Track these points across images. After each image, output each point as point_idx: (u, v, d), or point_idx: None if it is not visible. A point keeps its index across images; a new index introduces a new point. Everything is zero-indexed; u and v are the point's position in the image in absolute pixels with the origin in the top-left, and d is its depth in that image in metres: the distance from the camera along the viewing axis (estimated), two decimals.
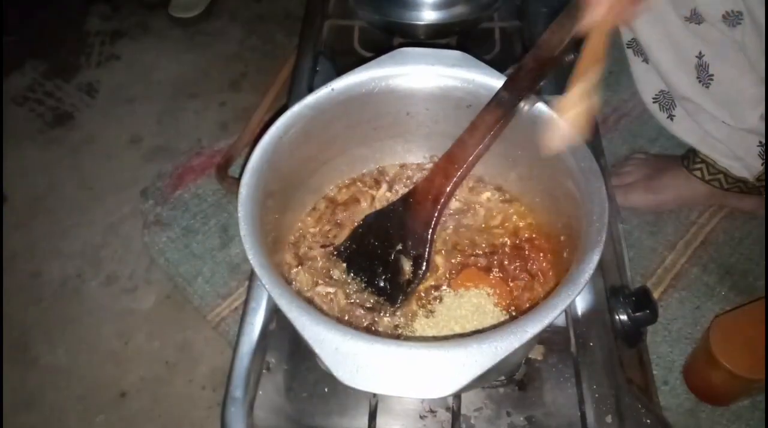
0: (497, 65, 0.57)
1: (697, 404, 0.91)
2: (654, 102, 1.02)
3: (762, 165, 0.94)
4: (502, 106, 0.53)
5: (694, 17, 0.84)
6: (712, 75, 0.88)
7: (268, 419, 0.58)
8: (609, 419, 0.53)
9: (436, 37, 0.91)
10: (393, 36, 0.92)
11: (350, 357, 0.39)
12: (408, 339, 0.54)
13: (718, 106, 0.91)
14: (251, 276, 0.64)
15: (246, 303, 0.62)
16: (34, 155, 1.32)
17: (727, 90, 0.89)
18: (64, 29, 1.58)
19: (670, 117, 1.01)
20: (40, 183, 1.26)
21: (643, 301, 0.66)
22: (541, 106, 0.53)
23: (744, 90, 0.88)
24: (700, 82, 0.90)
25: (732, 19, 0.81)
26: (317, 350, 0.40)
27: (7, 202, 1.23)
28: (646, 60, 0.99)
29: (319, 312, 0.42)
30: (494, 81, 0.55)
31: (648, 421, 0.56)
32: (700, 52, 0.88)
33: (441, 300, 0.56)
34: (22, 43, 1.54)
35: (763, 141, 0.91)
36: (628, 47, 1.01)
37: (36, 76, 1.47)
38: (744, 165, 0.96)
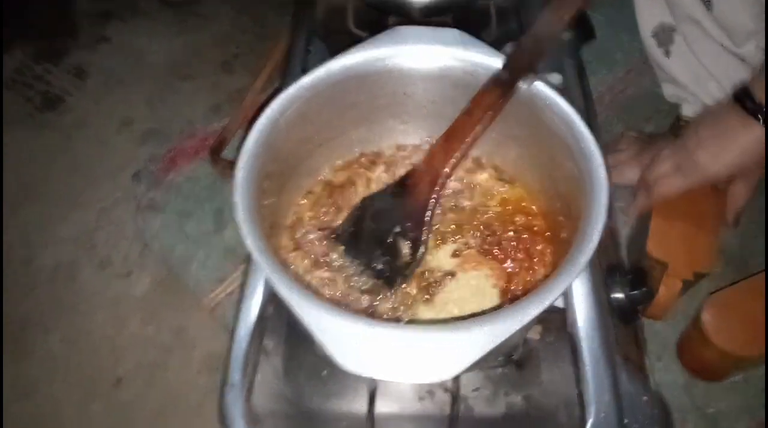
0: (494, 43, 0.56)
1: (691, 380, 0.92)
2: (652, 36, 1.02)
3: None
4: (501, 85, 0.53)
5: None
6: (710, 2, 0.88)
7: (266, 403, 0.58)
8: (607, 397, 0.53)
9: (431, 16, 0.89)
10: (388, 15, 0.91)
11: (351, 342, 0.39)
12: (407, 322, 0.54)
13: (719, 28, 0.91)
14: (248, 260, 0.64)
15: (242, 287, 0.62)
16: (23, 139, 1.30)
17: (725, 17, 0.89)
18: (52, 11, 1.55)
19: (667, 53, 1.01)
20: (31, 168, 1.24)
21: (639, 280, 0.66)
22: (539, 86, 0.53)
23: (740, 20, 0.88)
24: (702, 1, 0.90)
25: None
26: (318, 335, 0.39)
27: None
28: None
29: (318, 297, 0.42)
30: (492, 60, 0.54)
31: (645, 398, 0.56)
32: None
33: (439, 282, 0.56)
34: (9, 25, 1.51)
35: None
36: None
37: (24, 59, 1.44)
38: None
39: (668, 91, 1.08)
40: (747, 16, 0.86)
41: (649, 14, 1.01)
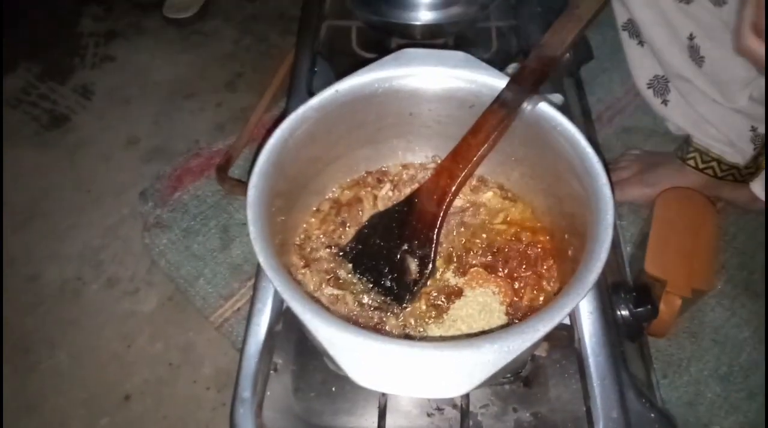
0: (495, 64, 0.58)
1: (696, 397, 0.92)
2: (648, 87, 1.03)
3: (754, 149, 0.94)
4: (506, 106, 0.54)
5: None
6: (703, 57, 0.89)
7: (277, 419, 0.58)
8: (614, 414, 0.54)
9: (433, 37, 0.91)
10: (391, 36, 0.92)
11: (364, 358, 0.39)
12: (416, 339, 0.54)
13: (710, 85, 0.92)
14: (257, 277, 0.64)
15: (252, 304, 0.62)
16: (30, 158, 1.31)
17: (717, 71, 0.90)
18: (57, 31, 1.57)
19: (665, 102, 1.02)
20: (37, 186, 1.26)
21: (643, 297, 0.67)
22: (543, 106, 0.54)
23: (733, 71, 0.89)
24: (692, 60, 0.91)
25: None
26: (331, 352, 0.40)
27: (4, 206, 1.22)
28: (641, 43, 0.99)
29: (331, 314, 0.42)
30: (497, 81, 0.56)
31: (652, 415, 0.57)
32: (691, 34, 0.88)
33: (447, 299, 0.57)
34: (15, 45, 1.53)
35: (754, 125, 0.92)
36: (623, 30, 1.02)
37: (30, 79, 1.46)
38: (736, 150, 0.97)
39: (672, 127, 1.10)
40: (739, 66, 0.87)
41: (641, 68, 1.03)
